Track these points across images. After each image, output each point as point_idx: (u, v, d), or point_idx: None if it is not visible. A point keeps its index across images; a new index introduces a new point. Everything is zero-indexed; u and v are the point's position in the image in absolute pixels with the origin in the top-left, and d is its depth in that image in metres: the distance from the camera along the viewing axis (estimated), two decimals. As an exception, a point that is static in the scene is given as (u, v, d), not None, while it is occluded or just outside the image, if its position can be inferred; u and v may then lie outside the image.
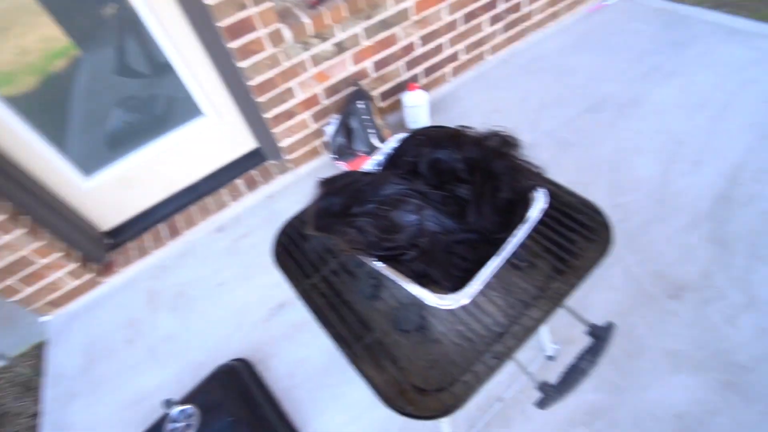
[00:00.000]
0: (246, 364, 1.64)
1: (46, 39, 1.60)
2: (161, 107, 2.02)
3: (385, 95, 2.30)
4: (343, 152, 2.06)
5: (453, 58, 2.38)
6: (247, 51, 1.77)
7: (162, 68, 1.88)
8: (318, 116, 2.14)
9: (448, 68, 2.41)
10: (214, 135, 2.14)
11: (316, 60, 1.96)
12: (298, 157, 2.22)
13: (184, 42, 1.83)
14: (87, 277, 1.99)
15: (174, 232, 2.11)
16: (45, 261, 1.85)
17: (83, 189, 1.97)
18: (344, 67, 2.06)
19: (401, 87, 2.30)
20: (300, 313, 1.73)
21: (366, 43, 2.04)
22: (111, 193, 2.04)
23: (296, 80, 1.97)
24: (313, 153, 2.26)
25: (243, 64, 1.80)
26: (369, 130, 2.00)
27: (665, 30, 2.41)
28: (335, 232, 0.90)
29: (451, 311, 0.90)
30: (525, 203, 0.87)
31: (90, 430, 1.65)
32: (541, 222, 0.89)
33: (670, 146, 1.88)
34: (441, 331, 0.89)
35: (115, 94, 1.92)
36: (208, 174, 2.26)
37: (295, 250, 1.04)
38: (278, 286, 1.83)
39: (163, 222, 2.17)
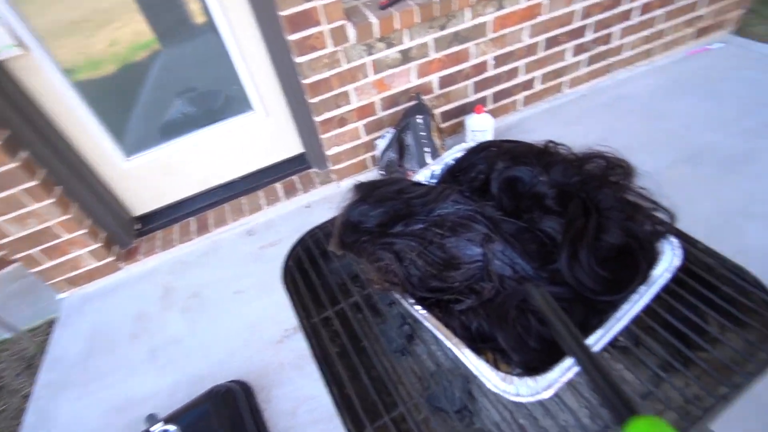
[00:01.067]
0: (246, 389, 1.39)
1: (136, 33, 1.68)
2: (216, 99, 1.90)
3: (447, 116, 2.06)
4: (392, 169, 1.82)
5: (527, 85, 2.11)
6: (306, 46, 1.60)
7: (219, 56, 1.75)
8: (371, 127, 1.93)
9: (520, 96, 2.14)
10: (259, 132, 1.98)
11: (378, 66, 1.76)
12: (344, 168, 2.01)
13: (244, 29, 1.69)
14: (108, 259, 1.84)
15: (203, 228, 1.94)
16: (69, 236, 1.72)
17: (122, 168, 1.85)
18: (407, 77, 1.85)
19: (465, 109, 2.06)
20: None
21: (435, 55, 1.82)
22: (148, 177, 1.91)
23: (353, 85, 1.77)
24: (360, 166, 2.04)
25: (300, 59, 1.62)
26: (425, 149, 1.75)
27: (783, 82, 2.04)
28: (365, 254, 0.64)
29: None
30: (645, 256, 0.58)
31: (71, 428, 1.46)
32: (668, 288, 0.59)
33: (788, 214, 1.50)
34: (494, 420, 0.60)
35: (179, 85, 1.84)
36: (247, 173, 2.09)
37: (312, 271, 0.79)
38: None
39: (194, 216, 2.01)
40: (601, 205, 0.63)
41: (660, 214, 0.62)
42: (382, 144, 1.88)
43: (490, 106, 2.11)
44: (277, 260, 1.78)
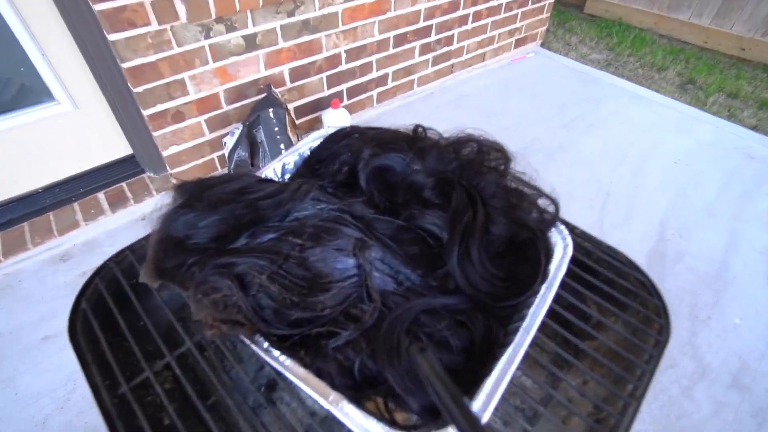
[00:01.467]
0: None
1: None
2: (7, 88, 1.36)
3: (302, 111, 1.87)
4: (243, 169, 1.55)
5: (381, 81, 2.05)
6: (120, 20, 1.23)
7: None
8: (216, 123, 1.62)
9: (374, 92, 2.06)
10: (67, 129, 1.50)
11: (219, 52, 1.47)
12: (186, 171, 1.66)
13: (24, -7, 1.24)
14: None
15: (-13, 258, 1.39)
16: None
17: None
18: (255, 67, 1.60)
19: (321, 104, 1.89)
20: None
21: (284, 44, 1.61)
22: None
23: (189, 72, 1.45)
24: (207, 168, 1.72)
25: (114, 36, 1.24)
26: (280, 145, 1.53)
27: (581, 86, 2.36)
28: (193, 284, 0.42)
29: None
30: (542, 248, 0.49)
31: None
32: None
33: (601, 196, 1.70)
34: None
35: None
36: (54, 182, 1.58)
37: (120, 315, 0.53)
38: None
39: (-29, 242, 1.43)
40: (484, 194, 0.53)
41: (542, 201, 0.54)
42: (230, 142, 1.60)
43: (346, 102, 1.99)
44: None
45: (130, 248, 0.57)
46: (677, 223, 1.62)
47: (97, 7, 1.19)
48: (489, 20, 2.26)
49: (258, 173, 0.61)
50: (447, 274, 0.48)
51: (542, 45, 2.79)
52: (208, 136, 1.63)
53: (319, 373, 0.39)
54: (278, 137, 1.52)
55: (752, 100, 2.56)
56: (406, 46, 2.01)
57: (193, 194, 0.50)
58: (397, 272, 0.47)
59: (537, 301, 0.43)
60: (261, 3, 1.44)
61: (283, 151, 1.51)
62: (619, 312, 0.54)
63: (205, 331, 0.39)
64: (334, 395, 0.36)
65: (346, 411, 0.35)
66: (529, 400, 0.49)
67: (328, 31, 1.70)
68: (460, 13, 2.09)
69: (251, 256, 0.42)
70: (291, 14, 1.56)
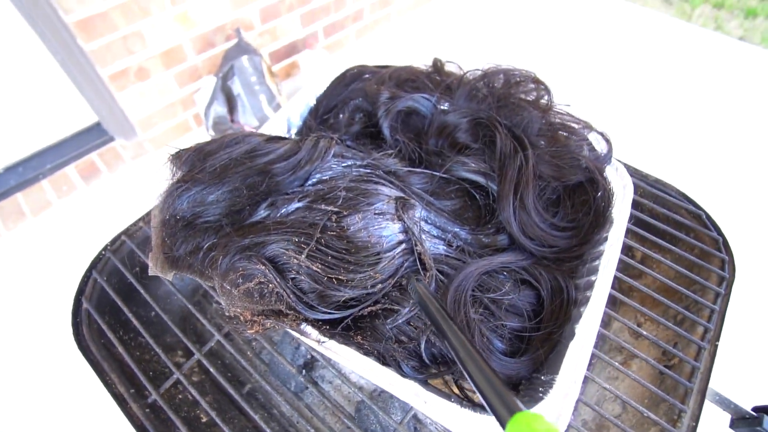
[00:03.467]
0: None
1: None
2: None
3: (276, 56, 1.69)
4: (223, 127, 1.42)
5: (357, 16, 1.86)
6: (54, -39, 1.04)
7: None
8: (185, 77, 1.46)
9: (351, 27, 1.88)
10: (21, 100, 1.33)
11: (177, -6, 1.28)
12: (161, 135, 1.51)
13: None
14: None
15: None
16: None
17: None
18: (220, 9, 1.41)
19: (297, 47, 1.72)
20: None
21: (249, -21, 1.42)
22: None
23: (147, 20, 1.27)
24: (182, 129, 1.57)
25: (50, -18, 1.06)
26: (260, 96, 1.39)
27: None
28: (216, 273, 0.35)
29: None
30: (594, 189, 0.43)
31: None
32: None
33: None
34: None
35: None
36: (16, 161, 1.43)
37: (131, 311, 0.46)
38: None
39: (-65, 234, 1.30)
40: (529, 133, 0.46)
41: (593, 136, 0.47)
42: (202, 97, 1.45)
43: (323, 43, 1.81)
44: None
45: (126, 233, 0.48)
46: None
47: (23, -54, 0.99)
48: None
49: (261, 130, 0.51)
50: (498, 228, 0.43)
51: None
52: (179, 93, 1.47)
53: (383, 360, 0.33)
54: (256, 88, 1.38)
55: (738, 10, 2.47)
56: (382, -27, 1.81)
57: (194, 164, 0.42)
58: (445, 231, 0.41)
59: (606, 249, 0.38)
60: (216, -70, 1.23)
61: (263, 103, 1.38)
62: (669, 246, 0.50)
63: (246, 329, 0.32)
64: (407, 384, 0.31)
65: (432, 405, 0.30)
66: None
67: (296, -40, 1.50)
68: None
69: (282, 232, 0.35)
70: (252, -58, 1.35)
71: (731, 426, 0.41)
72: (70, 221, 1.39)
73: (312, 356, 0.48)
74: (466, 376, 0.25)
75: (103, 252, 0.47)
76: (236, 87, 1.36)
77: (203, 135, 1.60)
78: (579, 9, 2.21)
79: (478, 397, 0.32)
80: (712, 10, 2.48)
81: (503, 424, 0.22)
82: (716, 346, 0.40)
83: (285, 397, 0.47)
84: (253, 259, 0.33)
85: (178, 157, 0.42)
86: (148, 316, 0.47)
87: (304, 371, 0.48)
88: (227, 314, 0.34)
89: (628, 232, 0.53)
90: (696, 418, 0.36)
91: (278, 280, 0.33)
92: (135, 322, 0.43)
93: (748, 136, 1.61)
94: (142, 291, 0.46)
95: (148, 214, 0.51)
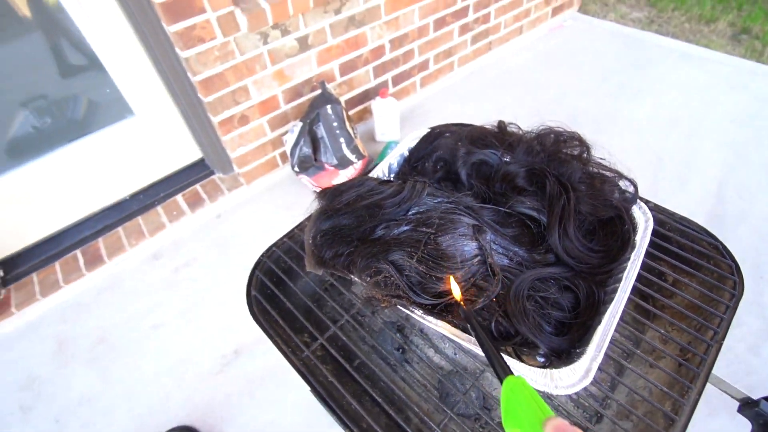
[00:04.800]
0: (191, 434, 1.21)
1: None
2: (76, 107, 1.55)
3: (351, 103, 1.99)
4: (307, 165, 1.70)
5: (423, 66, 2.13)
6: (191, 37, 1.38)
7: (79, 51, 1.43)
8: (276, 122, 1.77)
9: (417, 77, 2.15)
10: (147, 140, 1.69)
11: (276, 56, 1.60)
12: (252, 170, 1.82)
13: (109, 21, 1.40)
14: (-36, 323, 1.43)
15: (95, 261, 1.61)
16: None
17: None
18: (308, 66, 1.72)
19: (369, 94, 2.00)
20: (263, 360, 1.33)
21: (333, 41, 1.72)
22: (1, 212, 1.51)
23: (252, 78, 1.59)
24: (270, 166, 1.88)
25: (186, 53, 1.39)
26: (340, 139, 1.66)
27: (624, 51, 2.35)
28: (355, 270, 0.56)
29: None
30: (628, 223, 0.59)
31: None
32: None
33: (654, 163, 1.75)
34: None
35: (20, 93, 1.43)
36: (138, 189, 1.79)
37: (282, 295, 0.68)
38: (231, 329, 1.41)
39: (79, 248, 1.65)
40: (572, 180, 0.64)
41: (622, 183, 0.64)
42: (290, 139, 1.74)
43: (391, 90, 2.09)
44: (196, 282, 1.59)
45: (275, 245, 0.71)
46: (736, 184, 1.65)
47: (171, 28, 1.33)
48: (525, -9, 2.28)
49: (371, 174, 0.73)
50: (547, 249, 0.60)
51: (579, 10, 2.76)
52: (270, 135, 1.78)
53: (466, 331, 0.51)
54: (337, 132, 1.65)
55: (813, 46, 2.46)
56: (445, 29, 2.07)
57: (332, 198, 0.63)
58: (508, 250, 0.59)
59: (628, 266, 0.54)
60: (311, 5, 1.54)
61: (342, 145, 1.64)
62: (694, 272, 0.64)
63: (381, 304, 0.52)
64: (488, 346, 0.49)
65: (505, 358, 0.48)
66: (623, 342, 0.61)
67: (372, 24, 1.79)
68: (497, -12, 2.13)
69: (398, 244, 0.55)
70: (338, 12, 1.66)
71: (738, 410, 0.53)
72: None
73: (402, 346, 0.66)
74: (486, 356, 0.42)
75: (262, 257, 0.69)
76: (320, 131, 1.64)
77: (288, 171, 1.89)
78: (638, 55, 2.33)
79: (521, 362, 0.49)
80: (784, 48, 2.50)
81: (501, 380, 0.37)
82: (720, 344, 0.53)
83: (384, 371, 0.66)
84: (381, 261, 0.54)
85: (321, 194, 0.64)
86: (293, 299, 0.69)
87: (398, 352, 0.66)
88: (364, 295, 0.54)
89: (660, 259, 0.68)
90: (699, 393, 0.49)
91: (397, 275, 0.53)
92: (286, 303, 0.64)
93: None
94: (288, 282, 0.67)
95: (290, 233, 0.73)
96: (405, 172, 0.75)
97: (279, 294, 0.66)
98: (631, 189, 0.63)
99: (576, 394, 0.55)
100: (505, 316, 0.52)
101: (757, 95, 2.01)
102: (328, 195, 0.64)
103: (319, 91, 1.73)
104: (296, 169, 1.72)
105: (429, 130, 0.78)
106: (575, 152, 0.68)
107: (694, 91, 2.06)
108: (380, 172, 0.74)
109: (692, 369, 0.52)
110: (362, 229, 0.61)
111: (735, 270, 0.61)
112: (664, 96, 2.04)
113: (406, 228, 0.59)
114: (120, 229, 1.71)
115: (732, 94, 2.03)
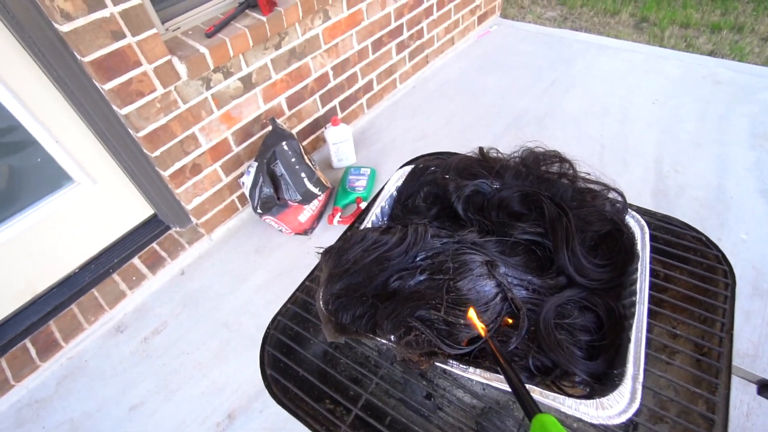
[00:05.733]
0: None
1: None
2: (5, 180, 1.39)
3: (303, 134, 1.95)
4: (270, 204, 1.63)
5: (367, 88, 2.13)
6: (129, 93, 1.28)
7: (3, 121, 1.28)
8: (230, 166, 1.69)
9: (362, 99, 2.15)
10: (91, 206, 1.55)
11: (221, 99, 1.54)
12: (211, 219, 1.73)
13: (31, 87, 1.27)
14: None
15: (49, 347, 1.44)
16: None
17: None
18: (255, 105, 1.66)
19: (317, 124, 1.97)
20: (262, 419, 1.25)
21: (276, 76, 1.68)
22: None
23: (198, 125, 1.51)
24: (230, 211, 1.79)
25: (125, 110, 1.30)
26: (301, 174, 1.62)
27: (550, 49, 2.50)
28: (388, 332, 0.53)
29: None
30: (627, 235, 0.62)
31: None
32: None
33: (597, 150, 1.86)
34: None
35: None
36: (90, 258, 1.63)
37: (295, 365, 0.63)
38: (219, 392, 1.32)
39: (29, 336, 1.48)
40: (564, 198, 0.65)
41: (611, 194, 0.67)
42: (248, 181, 1.67)
43: (340, 115, 2.07)
44: (170, 348, 1.47)
45: (280, 313, 0.67)
46: (670, 159, 1.80)
47: (106, 86, 1.24)
48: (451, 5, 2.36)
49: (365, 224, 0.71)
50: (558, 272, 0.61)
51: (501, 15, 2.91)
52: (225, 180, 1.70)
53: (505, 374, 0.51)
54: (297, 167, 1.61)
55: (703, 26, 2.76)
56: (383, 49, 2.10)
57: (337, 261, 0.60)
58: (522, 280, 0.59)
59: (639, 277, 0.56)
60: (251, 43, 1.50)
61: (305, 180, 1.60)
62: (683, 265, 0.68)
63: (420, 367, 0.50)
64: (525, 388, 0.48)
65: (545, 397, 0.47)
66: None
67: (313, 54, 1.77)
68: (425, 5, 2.19)
69: (420, 298, 0.53)
70: (278, 47, 1.62)
71: (758, 393, 0.57)
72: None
73: (430, 388, 0.64)
74: (514, 394, 0.41)
75: (269, 330, 0.65)
76: (279, 169, 1.59)
77: (249, 213, 1.81)
78: (562, 51, 2.49)
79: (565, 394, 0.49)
80: (680, 30, 2.78)
81: (530, 418, 0.37)
82: (731, 334, 0.57)
83: (417, 422, 0.63)
84: (408, 320, 0.52)
85: (327, 254, 0.61)
86: (305, 364, 0.65)
87: (428, 401, 0.64)
88: (398, 359, 0.51)
89: (651, 258, 0.71)
90: (727, 387, 0.52)
91: (429, 331, 0.51)
92: (300, 371, 0.60)
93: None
94: (299, 349, 0.63)
95: (292, 297, 0.69)
96: (398, 215, 0.73)
97: (293, 365, 0.62)
98: (620, 199, 0.66)
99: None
100: (539, 350, 0.52)
101: (668, 76, 2.21)
102: (333, 256, 0.61)
103: (270, 128, 1.68)
104: (259, 210, 1.66)
105: (413, 167, 0.78)
106: (558, 170, 0.70)
107: (616, 79, 2.22)
108: (374, 218, 0.72)
109: (713, 363, 0.55)
110: (375, 284, 0.58)
111: (722, 259, 0.65)
112: (592, 87, 2.19)
113: (421, 278, 0.57)
114: (74, 306, 1.55)
115: (648, 78, 2.21)
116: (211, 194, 1.68)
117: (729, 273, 0.63)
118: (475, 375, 0.51)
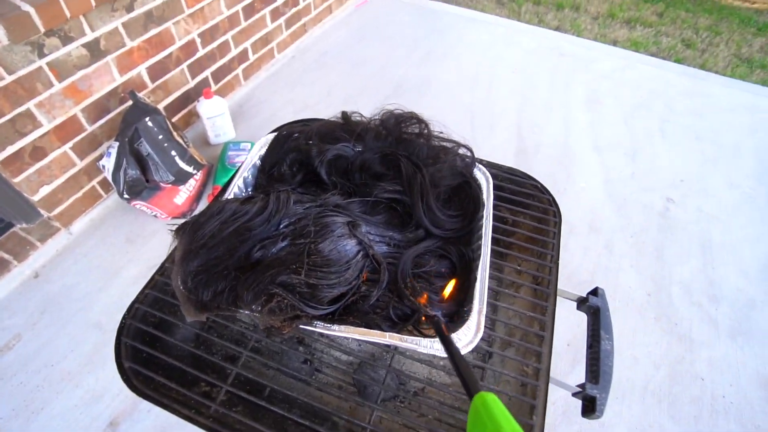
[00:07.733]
0: None
1: None
2: None
3: (172, 109, 1.75)
4: (139, 188, 1.46)
5: (242, 57, 1.98)
6: (-77, 62, 1.02)
7: None
8: (84, 147, 1.46)
9: (238, 70, 2.00)
10: None
11: (62, 69, 1.30)
12: (67, 210, 1.49)
13: None
14: None
15: None
16: None
17: None
18: (108, 76, 1.44)
19: (188, 97, 1.79)
20: (150, 420, 1.15)
21: (132, 43, 1.47)
22: None
23: (34, 101, 1.27)
24: (91, 199, 1.56)
25: None
26: (172, 152, 1.46)
27: (425, 20, 2.57)
28: (243, 303, 0.51)
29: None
30: (474, 186, 0.67)
31: None
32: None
33: (468, 116, 1.99)
34: (424, 382, 0.62)
35: None
36: None
37: (162, 353, 0.58)
38: (99, 399, 1.18)
39: None
40: (421, 156, 0.68)
41: (462, 150, 0.71)
42: (109, 163, 1.46)
43: (214, 87, 1.91)
44: (29, 363, 1.28)
45: (137, 300, 0.60)
46: (528, 122, 2.00)
47: None
48: (325, -29, 2.28)
49: (227, 195, 0.66)
50: (417, 226, 0.64)
51: (377, -16, 2.89)
52: (80, 164, 1.47)
53: (369, 327, 0.52)
54: (165, 145, 1.45)
55: (551, 4, 3.06)
56: (257, 16, 1.95)
57: (192, 235, 0.55)
58: (383, 236, 0.61)
59: (484, 223, 0.61)
60: (93, 3, 1.28)
61: (176, 159, 1.46)
62: (525, 210, 0.77)
63: (283, 332, 0.48)
64: (389, 335, 0.50)
65: (405, 341, 0.50)
66: (490, 285, 0.70)
67: (176, 18, 1.58)
68: (298, -30, 2.07)
69: (281, 264, 0.51)
70: (130, 9, 1.42)
71: (577, 308, 0.68)
72: None
73: (307, 358, 0.64)
74: (455, 370, 0.40)
75: (124, 320, 0.58)
76: (145, 148, 1.41)
77: (116, 199, 1.60)
78: (436, 23, 2.57)
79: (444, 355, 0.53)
80: (534, 7, 3.05)
81: (471, 396, 0.35)
82: (557, 264, 0.66)
83: (297, 388, 0.63)
84: (269, 287, 0.50)
85: (180, 230, 0.56)
86: (176, 352, 0.60)
87: (305, 365, 0.64)
88: (261, 328, 0.49)
89: (499, 206, 0.79)
90: (554, 305, 0.61)
91: (290, 295, 0.50)
92: (168, 359, 0.56)
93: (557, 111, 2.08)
94: (166, 338, 0.58)
95: (151, 281, 0.62)
96: (263, 184, 0.70)
97: (158, 354, 0.57)
98: (468, 154, 0.70)
99: (468, 342, 0.62)
100: (399, 299, 0.54)
101: (525, 48, 2.43)
102: (188, 231, 0.56)
103: (130, 102, 1.47)
104: (126, 195, 1.47)
105: (276, 134, 0.74)
106: (416, 130, 0.72)
107: (482, 50, 2.38)
108: (236, 189, 0.67)
109: (544, 290, 0.63)
110: (236, 257, 0.55)
111: (552, 202, 0.74)
112: (463, 57, 2.32)
113: (283, 244, 0.55)
114: None
115: (509, 49, 2.41)
116: (63, 181, 1.44)
117: (557, 213, 0.73)
118: (344, 332, 0.51)
